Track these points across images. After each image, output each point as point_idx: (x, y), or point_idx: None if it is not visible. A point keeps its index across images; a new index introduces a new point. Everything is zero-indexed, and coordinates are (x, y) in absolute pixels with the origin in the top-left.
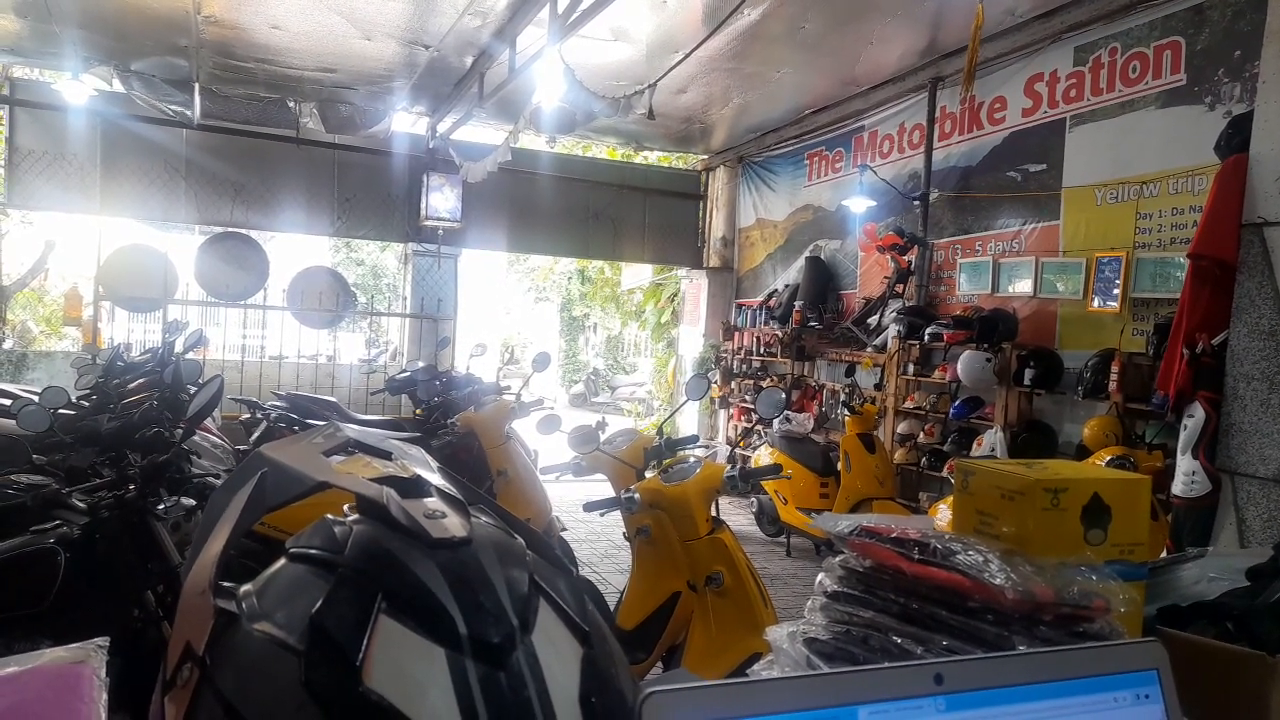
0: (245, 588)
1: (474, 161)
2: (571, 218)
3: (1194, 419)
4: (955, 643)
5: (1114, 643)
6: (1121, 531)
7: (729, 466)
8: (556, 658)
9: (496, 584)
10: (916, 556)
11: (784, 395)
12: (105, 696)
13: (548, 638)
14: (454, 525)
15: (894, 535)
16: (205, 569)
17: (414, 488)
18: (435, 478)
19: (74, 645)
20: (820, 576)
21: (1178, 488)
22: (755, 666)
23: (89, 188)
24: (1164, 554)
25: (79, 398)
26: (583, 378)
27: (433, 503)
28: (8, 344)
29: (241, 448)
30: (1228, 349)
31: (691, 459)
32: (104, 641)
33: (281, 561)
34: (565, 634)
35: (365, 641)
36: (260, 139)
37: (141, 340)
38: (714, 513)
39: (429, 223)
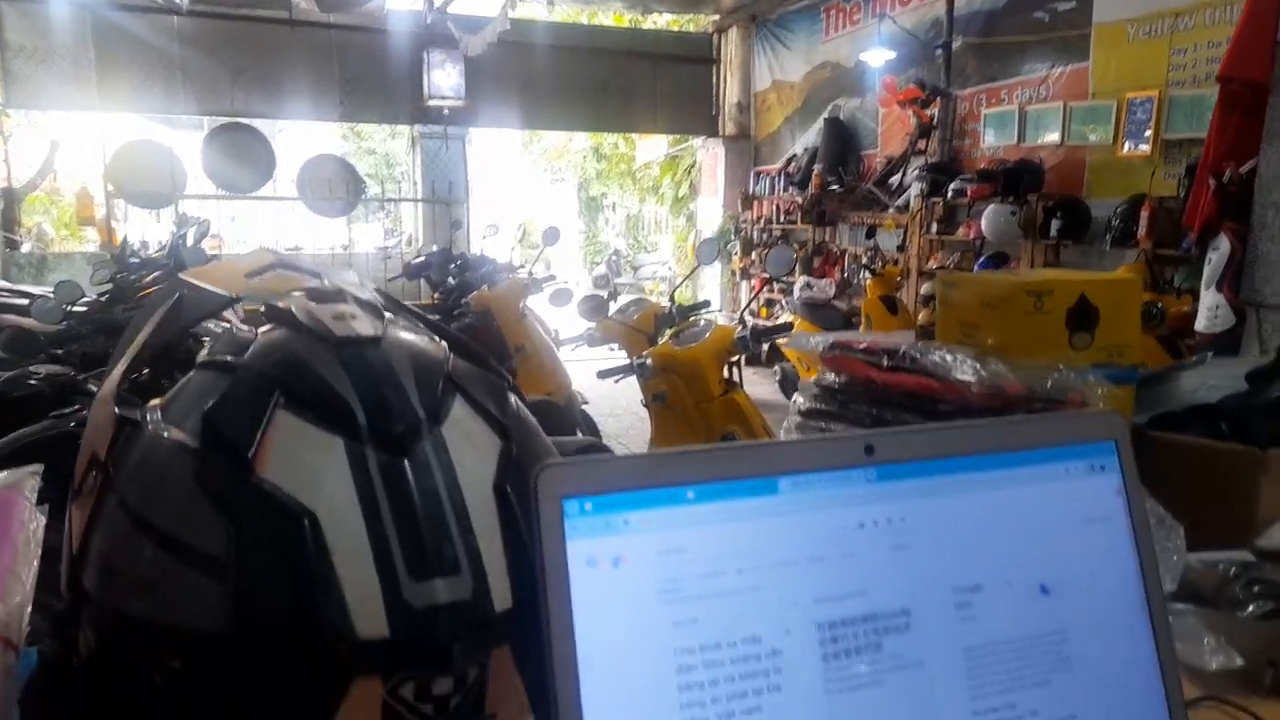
0: (153, 401)
1: (474, 34)
2: (580, 91)
3: (1219, 252)
4: None
5: (1068, 414)
6: (1110, 334)
7: (739, 328)
8: (470, 449)
9: (403, 379)
10: (886, 364)
11: (793, 252)
12: (41, 519)
13: (461, 430)
14: (362, 325)
15: (865, 346)
16: (112, 381)
17: (328, 295)
18: (363, 292)
19: (5, 472)
20: (795, 397)
21: (1201, 323)
22: None
23: (85, 83)
24: None
25: (98, 294)
26: (604, 259)
27: (345, 307)
28: (26, 247)
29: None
30: (1256, 177)
31: (702, 322)
32: (37, 468)
33: (191, 373)
34: (482, 428)
35: (259, 435)
36: (254, 23)
37: (158, 236)
38: (728, 375)
39: (433, 102)
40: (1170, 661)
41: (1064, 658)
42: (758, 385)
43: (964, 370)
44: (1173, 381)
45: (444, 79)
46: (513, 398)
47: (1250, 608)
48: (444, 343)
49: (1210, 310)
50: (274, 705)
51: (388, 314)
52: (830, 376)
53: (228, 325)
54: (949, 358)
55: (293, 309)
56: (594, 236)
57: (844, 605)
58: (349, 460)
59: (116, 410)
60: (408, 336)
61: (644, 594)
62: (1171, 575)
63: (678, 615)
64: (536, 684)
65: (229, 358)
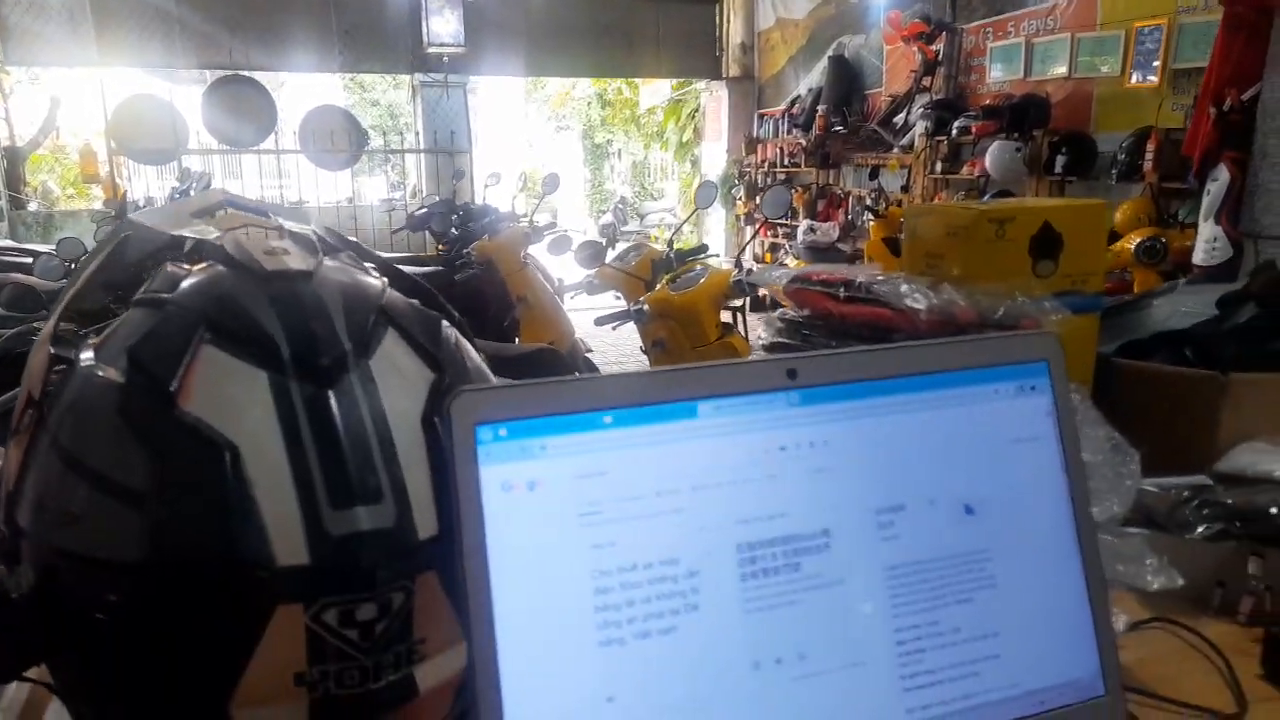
0: (90, 339)
1: None
2: (581, 35)
3: (1218, 182)
4: None
5: (998, 335)
6: (1074, 261)
7: (736, 271)
8: (399, 381)
9: (333, 313)
10: (843, 295)
11: (790, 193)
12: None
13: (391, 363)
14: (294, 260)
15: (823, 278)
16: (49, 323)
17: (265, 232)
18: (307, 230)
19: None
20: (759, 331)
21: (1198, 256)
22: None
23: (84, 38)
24: None
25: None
26: (610, 207)
27: (279, 243)
28: (32, 205)
29: None
30: (1259, 103)
31: (698, 268)
32: None
33: (127, 311)
34: (413, 360)
35: (183, 369)
36: None
37: (164, 192)
38: (728, 319)
39: (432, 50)
40: (1098, 580)
41: (988, 576)
42: (763, 330)
43: (915, 298)
44: (1144, 309)
45: (443, 26)
46: (451, 333)
47: (1199, 529)
48: (384, 279)
49: (1208, 243)
50: (199, 633)
51: (327, 252)
52: (792, 310)
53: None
54: (902, 286)
55: (224, 245)
56: (600, 184)
57: (764, 527)
58: (273, 393)
59: (51, 350)
60: (342, 272)
61: (561, 517)
62: (1123, 500)
63: (596, 538)
64: (464, 609)
65: (161, 294)
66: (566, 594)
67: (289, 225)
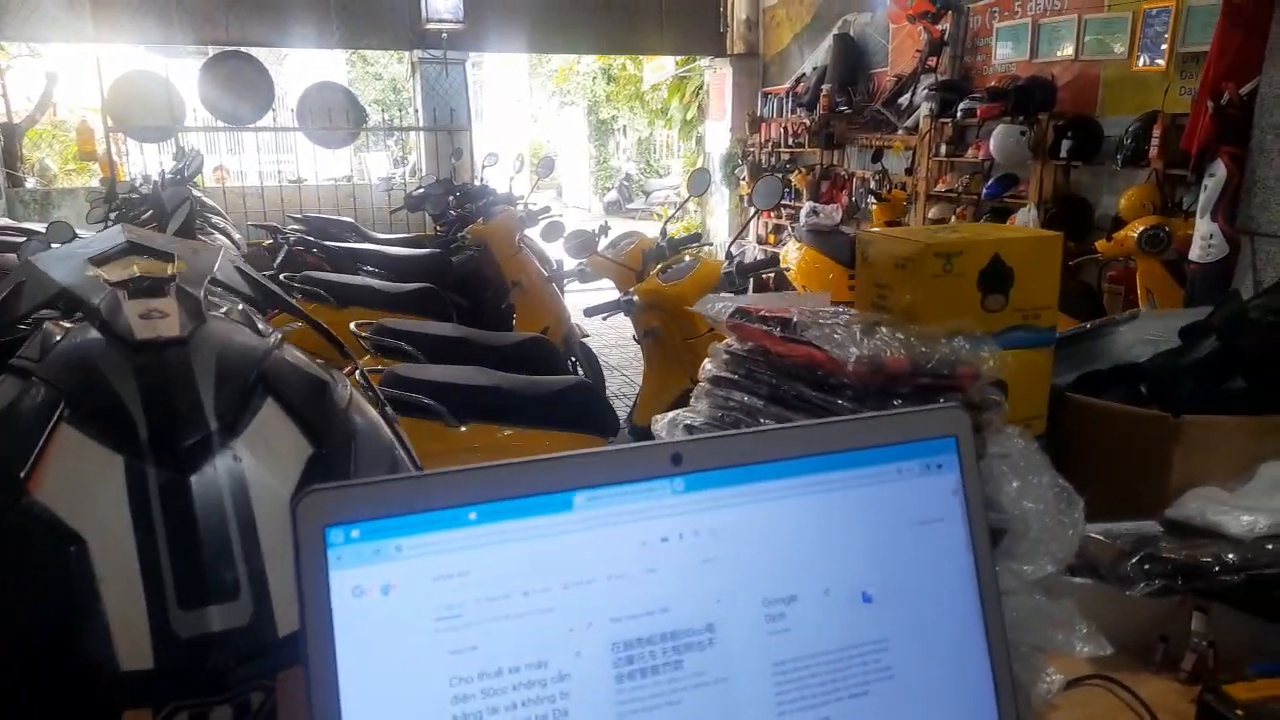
0: None
1: None
2: (583, 10)
3: (1215, 178)
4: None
5: (902, 411)
6: (1026, 295)
7: (725, 263)
8: (271, 459)
9: (201, 385)
10: (779, 333)
11: (780, 184)
12: None
13: (263, 438)
14: (169, 325)
15: (762, 314)
16: None
17: (150, 287)
18: (220, 274)
19: None
20: (705, 363)
21: (1194, 252)
22: None
23: (79, 13)
24: None
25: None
26: (615, 184)
27: (162, 302)
28: (30, 183)
29: (266, 272)
30: (1257, 98)
31: (688, 258)
32: None
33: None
34: (291, 433)
35: (36, 452)
36: None
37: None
38: None
39: (431, 25)
40: (1003, 666)
41: (884, 667)
42: (709, 361)
43: (843, 344)
44: (1107, 336)
45: (442, 1)
46: (345, 393)
47: (1141, 585)
48: (274, 335)
49: (1204, 239)
50: None
51: (220, 305)
52: (735, 343)
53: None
54: (837, 331)
55: (101, 308)
56: (605, 161)
57: (642, 624)
58: (128, 480)
59: None
60: (225, 332)
61: (417, 623)
62: (1066, 550)
63: (455, 643)
64: None
65: (30, 363)
66: (422, 705)
67: (185, 269)
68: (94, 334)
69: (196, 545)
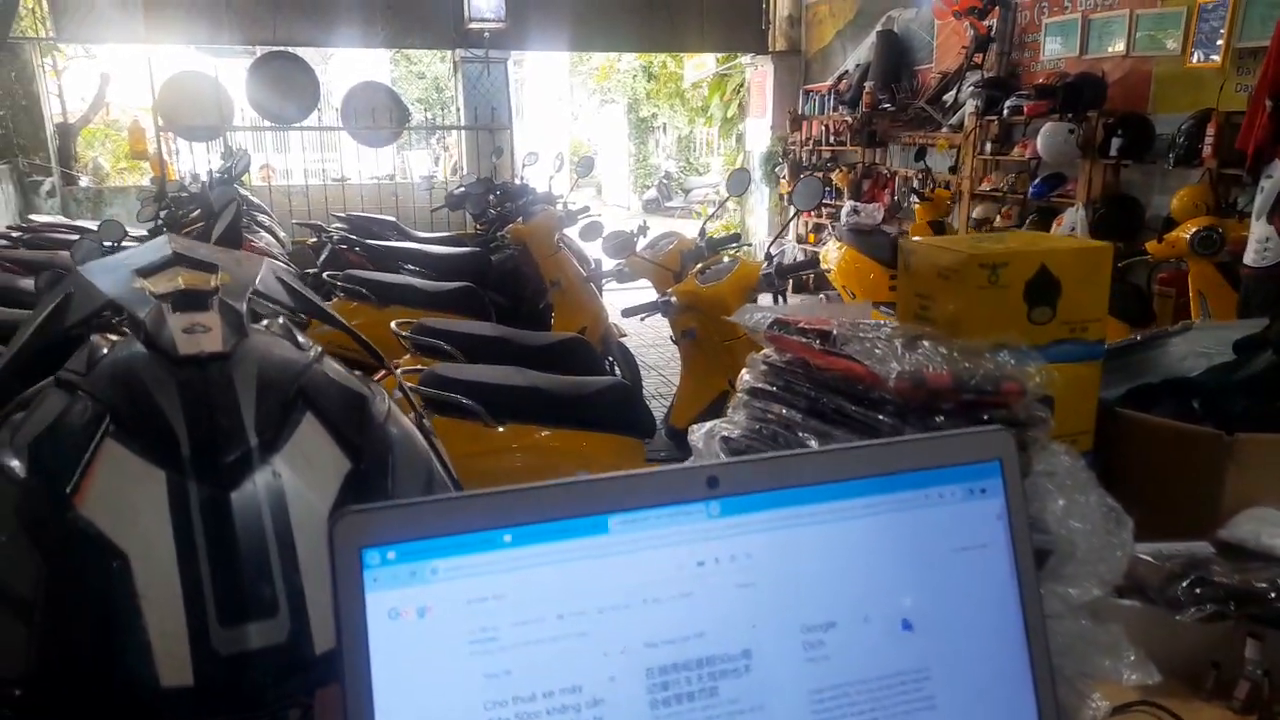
0: (15, 415)
1: None
2: (624, 8)
3: (1272, 179)
4: (855, 437)
5: (946, 434)
6: (1073, 307)
7: (764, 264)
8: (310, 475)
9: (243, 401)
10: (819, 346)
11: (821, 184)
12: None
13: (303, 453)
14: (211, 340)
15: (801, 325)
16: None
17: (193, 300)
18: (262, 285)
19: None
20: (743, 373)
21: (1249, 256)
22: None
23: (132, 15)
24: None
25: (152, 227)
26: (655, 182)
27: (205, 316)
28: (83, 181)
29: (310, 270)
30: None
31: (726, 259)
32: None
33: (46, 387)
34: (331, 449)
35: (82, 467)
36: None
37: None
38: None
39: (473, 25)
40: (1048, 696)
41: (925, 696)
42: (747, 371)
43: (884, 359)
44: (1158, 349)
45: (483, 1)
46: (384, 406)
47: (1192, 610)
48: (314, 348)
49: (1260, 243)
50: None
51: (263, 318)
52: (774, 354)
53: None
54: (877, 345)
55: (146, 322)
56: (644, 159)
57: (678, 649)
58: (170, 496)
59: None
60: (267, 346)
61: (452, 645)
62: (1114, 571)
63: (490, 667)
64: None
65: (76, 376)
66: None
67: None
68: (139, 348)
69: (236, 562)
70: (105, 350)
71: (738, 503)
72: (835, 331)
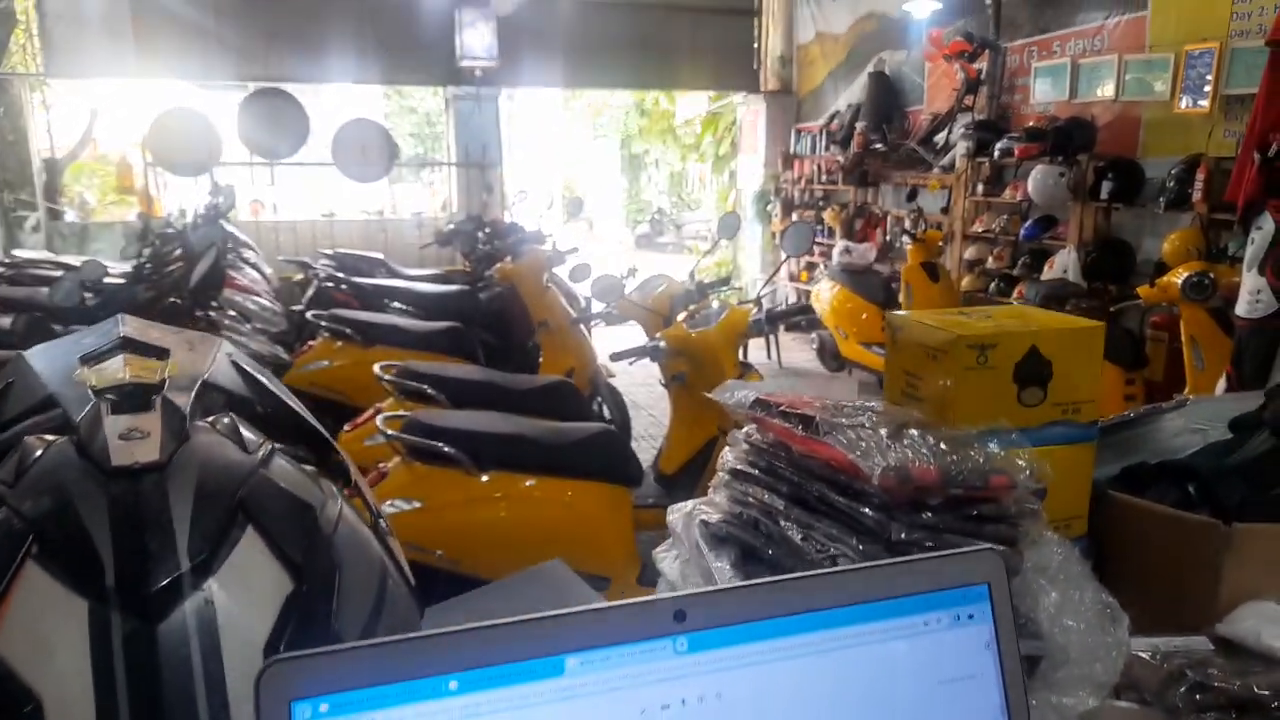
0: None
1: None
2: (617, 47)
3: (1262, 231)
4: (839, 529)
5: (932, 557)
6: (1065, 388)
7: (754, 310)
8: (248, 599)
9: (176, 518)
10: (801, 432)
11: (811, 230)
12: None
13: (240, 577)
14: (148, 448)
15: (784, 409)
16: None
17: (134, 397)
18: (214, 374)
19: None
20: (725, 451)
21: (1241, 307)
22: (656, 550)
23: (123, 50)
24: (1222, 380)
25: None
26: (647, 217)
27: (144, 419)
28: (69, 216)
29: (295, 308)
30: None
31: (716, 304)
32: None
33: None
34: (271, 569)
35: (1, 593)
36: None
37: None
38: (742, 357)
39: (465, 63)
40: None
41: None
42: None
43: (868, 452)
44: (1152, 425)
45: (476, 39)
46: (334, 510)
47: (1191, 717)
48: (262, 448)
49: (1252, 294)
50: None
51: (206, 414)
52: (757, 434)
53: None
54: (858, 435)
55: (80, 426)
56: (637, 194)
57: None
58: (91, 630)
59: None
60: (208, 451)
61: None
62: (1110, 671)
63: None
64: None
65: (3, 485)
66: None
67: (176, 372)
68: (72, 453)
69: (159, 704)
70: (38, 453)
71: (707, 637)
72: (818, 418)
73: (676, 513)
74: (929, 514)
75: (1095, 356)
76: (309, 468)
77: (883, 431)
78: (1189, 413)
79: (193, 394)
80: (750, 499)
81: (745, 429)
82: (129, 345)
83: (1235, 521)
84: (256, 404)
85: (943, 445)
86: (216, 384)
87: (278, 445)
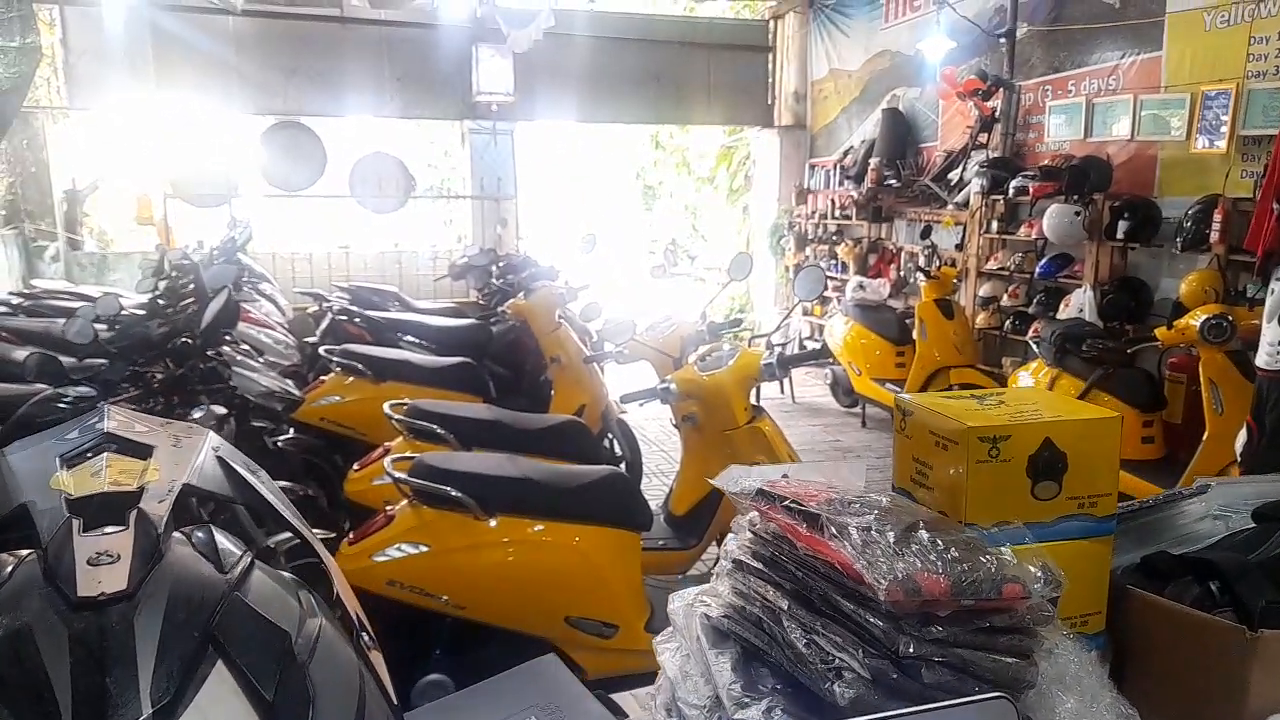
0: None
1: (520, 29)
2: (632, 82)
3: None
4: (844, 636)
5: (943, 705)
6: (1081, 482)
7: (766, 353)
8: None
9: (141, 656)
10: (805, 530)
11: (822, 274)
12: None
13: (204, 717)
14: (116, 576)
15: (788, 503)
16: None
17: (109, 509)
18: (197, 476)
19: None
20: (728, 539)
21: (1262, 359)
22: (656, 640)
23: (144, 83)
24: (1243, 432)
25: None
26: (661, 248)
27: (115, 539)
28: (89, 246)
29: (310, 339)
30: None
31: (727, 346)
32: None
33: None
34: (240, 707)
35: None
36: (306, 20)
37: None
38: (754, 400)
39: (481, 97)
40: None
41: None
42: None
43: (874, 561)
44: (1175, 510)
45: (492, 75)
46: (313, 632)
47: None
48: (240, 562)
49: (1272, 345)
50: None
51: (187, 520)
52: (760, 523)
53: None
54: (864, 539)
55: (49, 547)
56: (650, 226)
57: None
58: None
59: None
60: (181, 571)
61: None
62: None
63: None
64: None
65: None
66: None
67: (157, 477)
68: (39, 576)
69: None
70: (9, 570)
71: None
72: (823, 516)
73: (678, 601)
74: (939, 627)
75: (1112, 448)
76: (289, 575)
77: (890, 535)
78: (1210, 498)
79: (171, 501)
80: (753, 593)
81: (750, 515)
82: (111, 442)
83: (1261, 627)
84: (240, 504)
85: (953, 552)
86: (199, 487)
87: (268, 542)
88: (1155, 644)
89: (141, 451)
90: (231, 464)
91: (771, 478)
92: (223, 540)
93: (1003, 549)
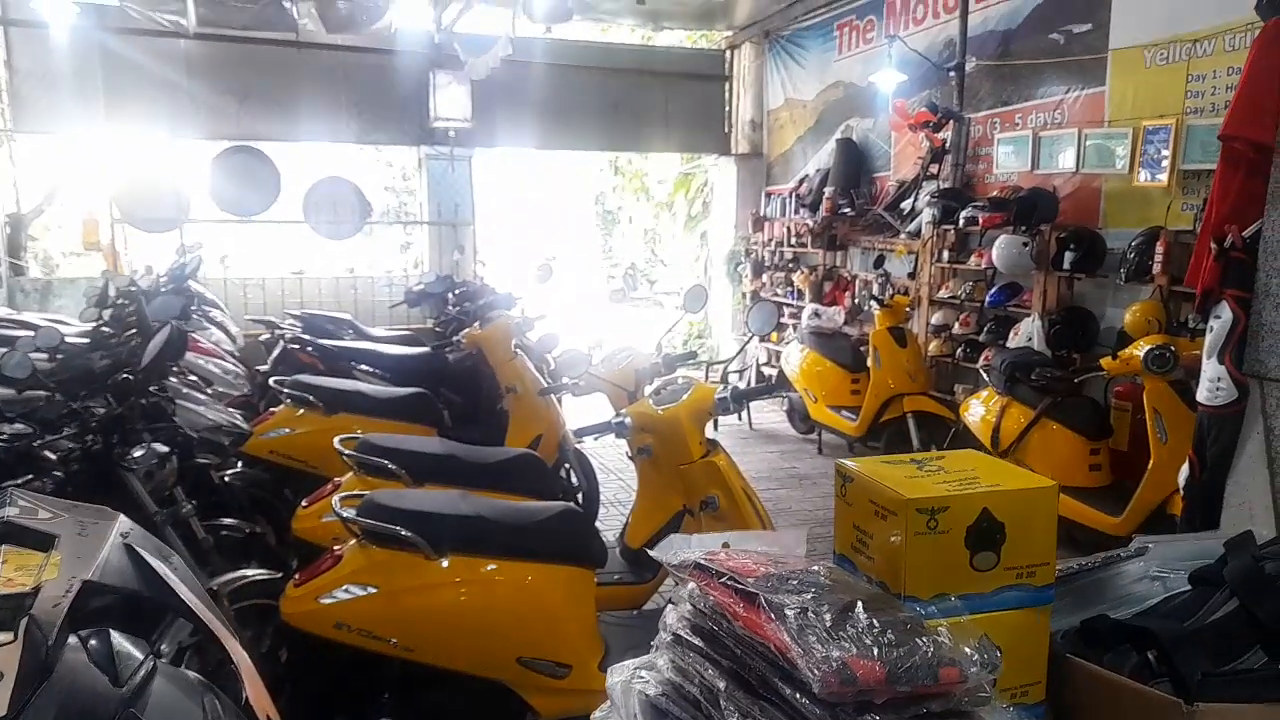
0: None
1: (478, 56)
2: (590, 110)
3: (1220, 320)
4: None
5: None
6: (1019, 552)
7: (720, 387)
8: None
9: None
10: (743, 609)
11: (776, 309)
12: None
13: None
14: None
15: (725, 580)
16: None
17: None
18: (102, 571)
19: None
20: (666, 611)
21: (1202, 394)
22: (594, 715)
23: (92, 107)
24: (1185, 467)
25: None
26: (620, 273)
27: (2, 654)
28: (32, 271)
29: (261, 368)
30: (1260, 241)
31: (681, 379)
32: None
33: None
34: None
35: None
36: (260, 44)
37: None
38: (712, 430)
39: (439, 123)
40: None
41: None
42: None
43: (809, 647)
44: (1112, 571)
45: (450, 101)
46: None
47: None
48: (143, 668)
49: (1212, 383)
50: None
51: (84, 622)
52: (699, 597)
53: None
54: (801, 620)
55: None
56: (610, 250)
57: None
58: None
59: None
60: (69, 690)
61: None
62: None
63: None
64: None
65: None
66: None
67: (56, 575)
68: None
69: None
70: None
71: None
72: (761, 597)
73: (616, 675)
74: (875, 716)
75: (1049, 516)
76: (195, 678)
77: (827, 617)
78: (1149, 558)
79: (68, 604)
80: (692, 669)
81: (690, 587)
82: (11, 535)
83: (1198, 700)
84: (145, 599)
85: (890, 635)
86: (102, 583)
87: (183, 639)
88: (1095, 715)
89: (43, 543)
90: (142, 552)
91: (711, 549)
92: (122, 644)
93: (939, 629)
